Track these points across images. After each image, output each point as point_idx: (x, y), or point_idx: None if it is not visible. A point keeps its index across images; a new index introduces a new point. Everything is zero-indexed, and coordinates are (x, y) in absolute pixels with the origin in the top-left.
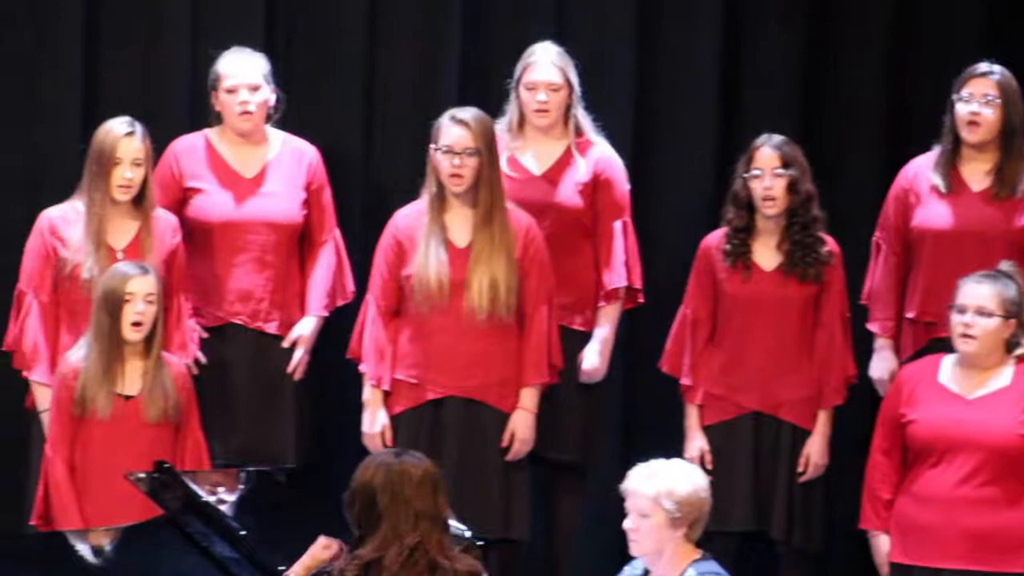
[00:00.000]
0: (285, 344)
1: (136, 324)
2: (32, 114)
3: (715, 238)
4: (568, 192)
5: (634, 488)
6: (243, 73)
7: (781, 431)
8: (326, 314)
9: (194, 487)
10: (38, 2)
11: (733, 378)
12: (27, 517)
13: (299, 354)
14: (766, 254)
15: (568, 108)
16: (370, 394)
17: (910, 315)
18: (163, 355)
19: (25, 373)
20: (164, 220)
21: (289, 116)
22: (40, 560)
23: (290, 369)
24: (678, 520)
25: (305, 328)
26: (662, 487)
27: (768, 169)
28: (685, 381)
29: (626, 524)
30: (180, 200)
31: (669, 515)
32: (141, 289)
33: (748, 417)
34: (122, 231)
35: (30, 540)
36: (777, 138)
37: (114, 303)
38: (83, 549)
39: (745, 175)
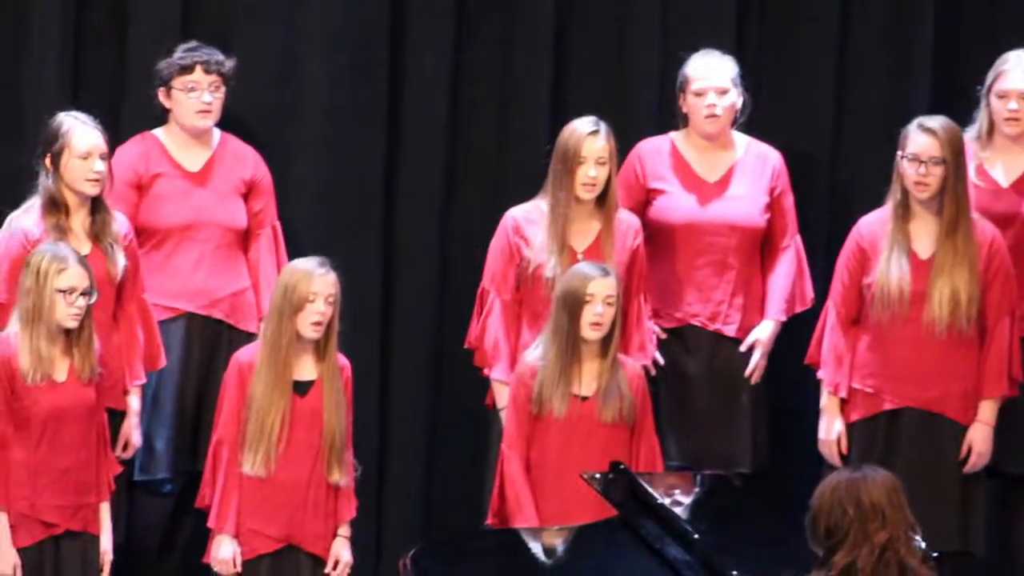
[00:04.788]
0: (743, 348)
1: (595, 325)
2: (499, 114)
3: None
4: None
5: None
6: (711, 76)
7: None
8: (784, 319)
9: (649, 488)
10: (509, 4)
11: None
12: (484, 515)
13: (756, 357)
14: None
15: None
16: (827, 401)
17: None
18: (619, 356)
19: (486, 371)
20: (626, 222)
21: (755, 118)
22: (495, 558)
23: (748, 373)
24: None
25: (763, 332)
26: None
27: None
28: None
29: None
30: (643, 201)
31: None
32: (601, 291)
33: None
34: (584, 232)
35: (486, 537)
36: None
37: (574, 303)
38: (537, 548)
39: None
